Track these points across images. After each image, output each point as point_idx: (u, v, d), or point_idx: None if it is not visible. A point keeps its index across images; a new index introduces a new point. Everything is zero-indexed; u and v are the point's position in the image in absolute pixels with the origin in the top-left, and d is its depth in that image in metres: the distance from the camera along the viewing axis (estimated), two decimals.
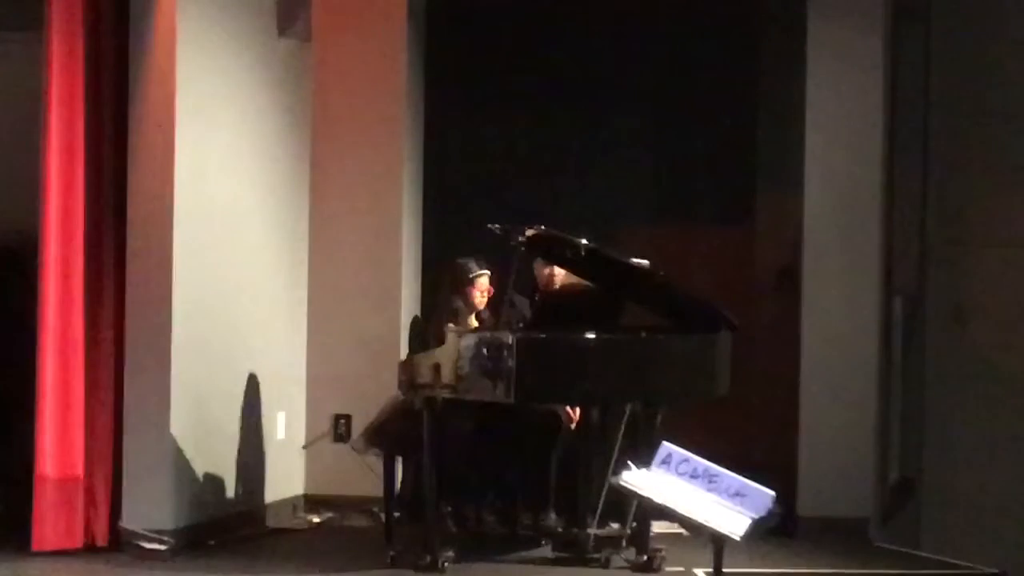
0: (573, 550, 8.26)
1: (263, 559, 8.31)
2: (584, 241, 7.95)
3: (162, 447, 8.26)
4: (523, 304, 8.67)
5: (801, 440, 9.36)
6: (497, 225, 7.91)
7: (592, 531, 8.26)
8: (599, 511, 8.28)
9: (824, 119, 9.43)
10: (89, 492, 8.26)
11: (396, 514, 8.44)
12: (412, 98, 9.87)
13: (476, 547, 8.38)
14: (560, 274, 8.69)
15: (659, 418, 8.09)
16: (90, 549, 8.25)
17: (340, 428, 9.65)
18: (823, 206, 9.42)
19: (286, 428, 9.53)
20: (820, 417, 9.32)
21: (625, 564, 8.12)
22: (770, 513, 6.52)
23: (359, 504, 9.37)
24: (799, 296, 9.45)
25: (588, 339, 7.78)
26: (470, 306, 8.66)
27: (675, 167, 10.15)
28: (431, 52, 10.04)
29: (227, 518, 8.77)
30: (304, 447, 9.69)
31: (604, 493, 8.18)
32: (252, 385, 9.10)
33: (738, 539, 6.46)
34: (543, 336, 7.84)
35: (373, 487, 8.68)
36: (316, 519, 9.40)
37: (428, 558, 7.92)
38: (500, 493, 8.82)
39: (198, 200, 8.47)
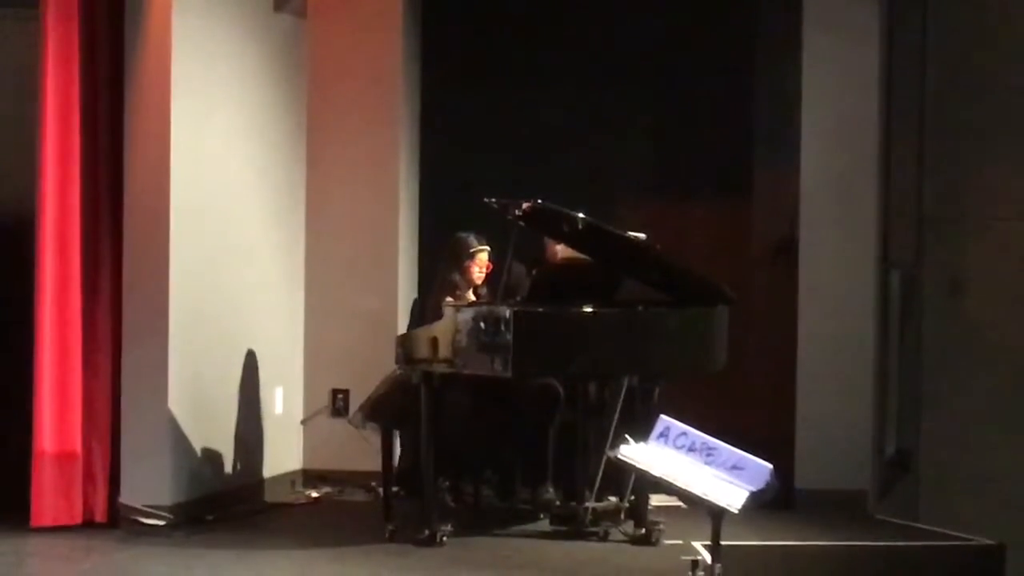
0: (571, 524, 8.26)
1: (262, 534, 8.31)
2: (581, 215, 7.93)
3: (160, 423, 8.26)
4: (520, 271, 8.61)
5: (799, 413, 9.37)
6: (494, 199, 7.88)
7: (590, 505, 8.26)
8: (597, 485, 8.28)
9: (821, 92, 9.42)
10: (87, 468, 8.27)
11: (394, 488, 8.43)
12: (408, 73, 9.85)
13: (474, 521, 8.39)
14: (566, 251, 8.65)
15: (657, 392, 8.09)
16: (89, 525, 8.25)
17: (338, 403, 9.66)
18: (820, 179, 9.42)
19: (284, 403, 9.54)
20: (817, 390, 9.33)
21: (623, 537, 8.13)
22: (768, 486, 6.52)
23: (357, 479, 9.39)
24: (796, 269, 9.46)
25: (585, 313, 7.77)
26: (468, 281, 8.64)
27: (672, 141, 10.12)
28: (427, 26, 10.02)
29: (225, 493, 8.78)
30: (302, 422, 9.70)
31: (602, 467, 8.18)
32: (250, 360, 9.10)
33: (736, 512, 6.46)
34: (540, 310, 7.81)
35: (371, 462, 8.67)
36: (314, 494, 9.40)
37: (426, 532, 7.93)
38: (498, 467, 8.83)
39: (195, 177, 8.46)
